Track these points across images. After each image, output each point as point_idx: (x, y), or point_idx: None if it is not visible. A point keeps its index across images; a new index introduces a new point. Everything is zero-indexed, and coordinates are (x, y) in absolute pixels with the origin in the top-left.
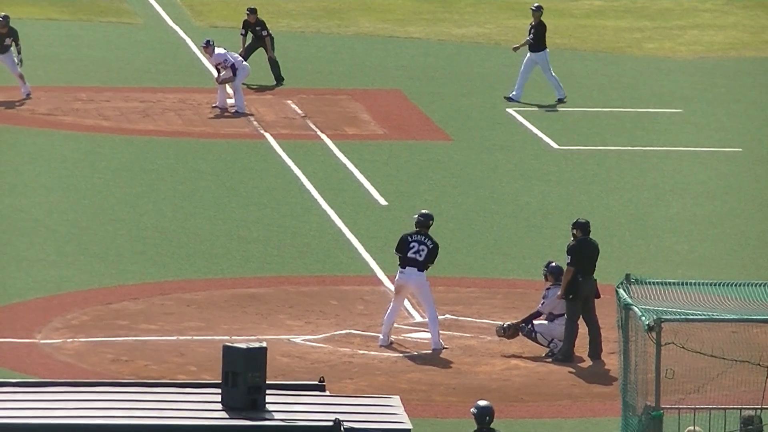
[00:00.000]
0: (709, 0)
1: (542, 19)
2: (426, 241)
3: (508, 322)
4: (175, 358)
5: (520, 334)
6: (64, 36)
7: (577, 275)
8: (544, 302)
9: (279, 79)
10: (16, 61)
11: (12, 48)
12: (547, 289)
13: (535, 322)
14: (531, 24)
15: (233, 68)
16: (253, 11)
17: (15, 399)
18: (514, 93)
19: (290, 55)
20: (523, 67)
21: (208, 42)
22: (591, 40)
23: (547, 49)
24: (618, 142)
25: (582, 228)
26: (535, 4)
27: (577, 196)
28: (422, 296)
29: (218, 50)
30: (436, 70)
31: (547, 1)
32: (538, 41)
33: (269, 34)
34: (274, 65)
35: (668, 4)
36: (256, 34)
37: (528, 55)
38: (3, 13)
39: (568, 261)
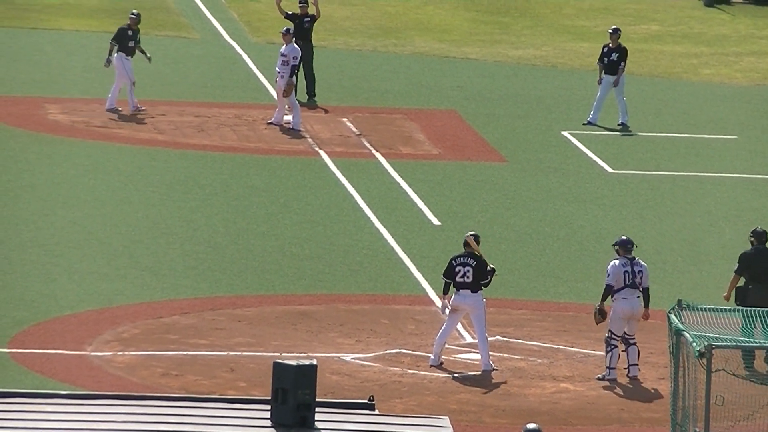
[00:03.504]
0: (766, 27)
1: (620, 42)
2: (470, 261)
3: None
4: (225, 374)
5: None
6: None
7: (747, 284)
8: (609, 274)
9: (312, 95)
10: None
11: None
12: (611, 261)
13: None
14: (608, 46)
15: (294, 71)
16: (305, 3)
17: (64, 411)
18: (591, 117)
19: (346, 73)
20: (600, 91)
21: (288, 30)
22: (648, 65)
23: (624, 72)
24: (672, 167)
25: (758, 237)
26: (613, 27)
27: (631, 221)
28: (475, 317)
29: (295, 45)
30: (491, 91)
31: (605, 26)
32: (617, 63)
33: (313, 20)
34: (311, 79)
35: (725, 30)
36: (303, 26)
37: (605, 77)
38: (135, 11)
39: (736, 268)
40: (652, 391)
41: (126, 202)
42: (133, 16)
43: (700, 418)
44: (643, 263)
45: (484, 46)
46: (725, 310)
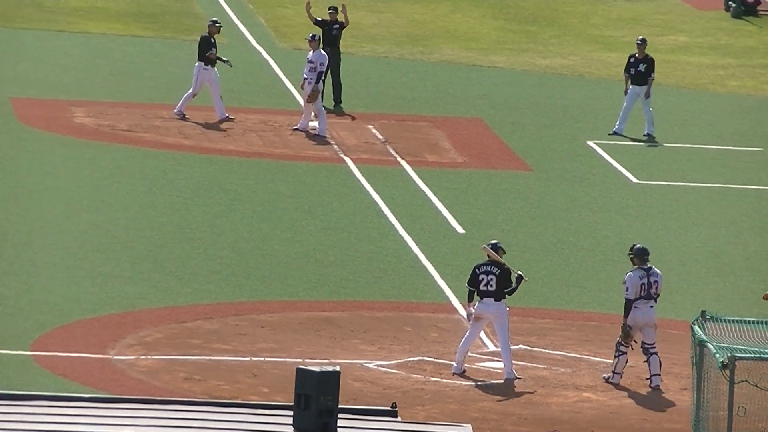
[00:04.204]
0: None
1: (647, 52)
2: (493, 269)
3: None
4: (247, 379)
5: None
6: (148, 53)
7: None
8: (627, 288)
9: (338, 101)
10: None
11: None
12: (628, 274)
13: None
14: (635, 56)
15: (320, 77)
16: (334, 10)
17: (86, 414)
18: (617, 127)
19: (373, 80)
20: (626, 101)
21: (313, 36)
22: (674, 76)
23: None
24: (698, 178)
25: None
26: (640, 37)
27: (655, 231)
28: (498, 325)
29: (322, 51)
30: (518, 99)
31: (633, 36)
32: (646, 74)
33: (342, 27)
34: (338, 86)
35: (752, 42)
36: (332, 32)
37: (632, 87)
38: (214, 19)
39: None
40: (675, 401)
41: (150, 206)
42: (211, 23)
43: (723, 429)
44: (658, 271)
45: (512, 54)
46: (749, 321)
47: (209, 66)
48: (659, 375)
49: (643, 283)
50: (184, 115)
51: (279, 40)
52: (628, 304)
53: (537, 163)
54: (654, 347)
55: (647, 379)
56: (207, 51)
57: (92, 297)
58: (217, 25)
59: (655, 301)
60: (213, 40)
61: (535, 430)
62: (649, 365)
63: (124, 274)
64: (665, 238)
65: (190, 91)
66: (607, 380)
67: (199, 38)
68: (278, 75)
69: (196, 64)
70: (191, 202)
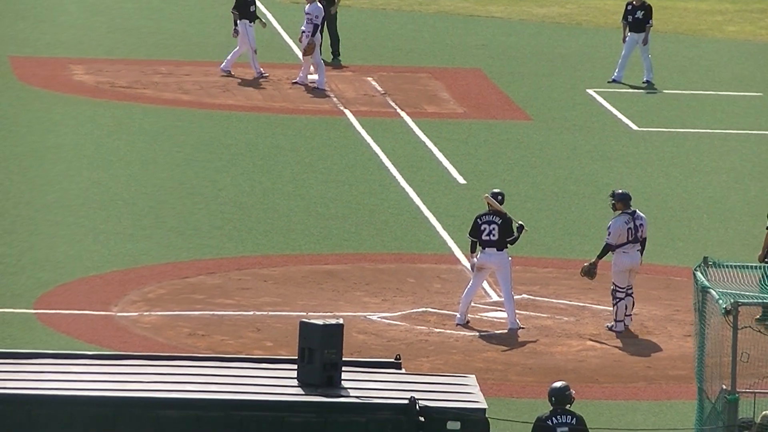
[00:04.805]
0: None
1: None
2: (495, 219)
3: (588, 264)
4: (251, 333)
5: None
6: (146, 9)
7: None
8: (610, 233)
9: (336, 54)
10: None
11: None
12: (613, 219)
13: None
14: (632, 4)
15: (317, 30)
16: None
17: (91, 372)
18: (615, 75)
19: (371, 32)
20: (625, 49)
21: None
22: (672, 22)
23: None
24: (697, 124)
25: None
26: None
27: (656, 178)
28: (501, 275)
29: (318, 4)
30: (516, 49)
31: None
32: (644, 21)
33: None
34: (335, 39)
35: None
36: None
37: (630, 35)
38: None
39: None
40: (678, 348)
41: (151, 162)
42: None
43: (726, 375)
44: (642, 215)
45: (509, 4)
46: (751, 267)
47: (252, 23)
48: (631, 316)
49: (629, 228)
50: (262, 73)
51: None
52: (606, 248)
53: (537, 113)
54: (632, 289)
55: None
56: (247, 8)
57: (94, 254)
58: None
59: (642, 246)
60: None
61: (539, 379)
62: (624, 307)
63: (126, 231)
64: (666, 184)
65: (243, 49)
66: (610, 329)
67: None
68: (276, 29)
69: (240, 22)
70: (192, 157)
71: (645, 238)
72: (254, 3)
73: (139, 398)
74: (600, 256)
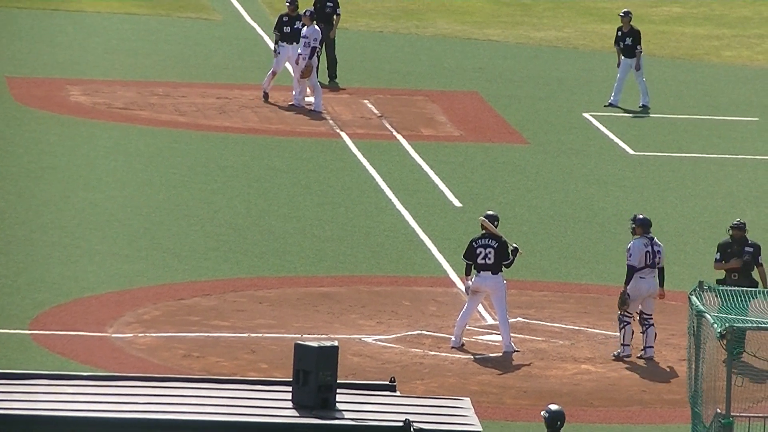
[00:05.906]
0: None
1: (632, 24)
2: (491, 242)
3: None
4: (246, 355)
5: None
6: (143, 30)
7: None
8: (630, 254)
9: (333, 76)
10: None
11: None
12: (632, 242)
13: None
14: (621, 30)
15: (315, 52)
16: None
17: (86, 393)
18: (612, 99)
19: (368, 55)
20: (620, 73)
21: (310, 12)
22: (669, 47)
23: (642, 54)
24: (694, 149)
25: None
26: (624, 10)
27: (652, 203)
28: (496, 299)
29: (316, 27)
30: (513, 72)
31: (627, 7)
32: (633, 47)
33: (337, 13)
34: (332, 61)
35: (747, 12)
36: (326, 10)
37: (623, 59)
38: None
39: None
40: (673, 372)
41: (147, 183)
42: (288, 3)
43: (721, 399)
44: (660, 243)
45: (506, 27)
46: (747, 292)
47: (287, 44)
48: (653, 347)
49: (647, 251)
50: (266, 94)
51: (274, 15)
52: (631, 271)
53: (533, 136)
54: (652, 318)
55: (642, 350)
56: (284, 28)
57: (90, 275)
58: (287, 4)
59: (661, 275)
60: (287, 19)
61: (534, 402)
62: (645, 336)
63: (122, 252)
64: (662, 209)
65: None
66: (618, 356)
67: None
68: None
69: (282, 44)
70: (188, 179)
71: (662, 268)
72: (293, 23)
73: (134, 419)
74: (627, 282)
